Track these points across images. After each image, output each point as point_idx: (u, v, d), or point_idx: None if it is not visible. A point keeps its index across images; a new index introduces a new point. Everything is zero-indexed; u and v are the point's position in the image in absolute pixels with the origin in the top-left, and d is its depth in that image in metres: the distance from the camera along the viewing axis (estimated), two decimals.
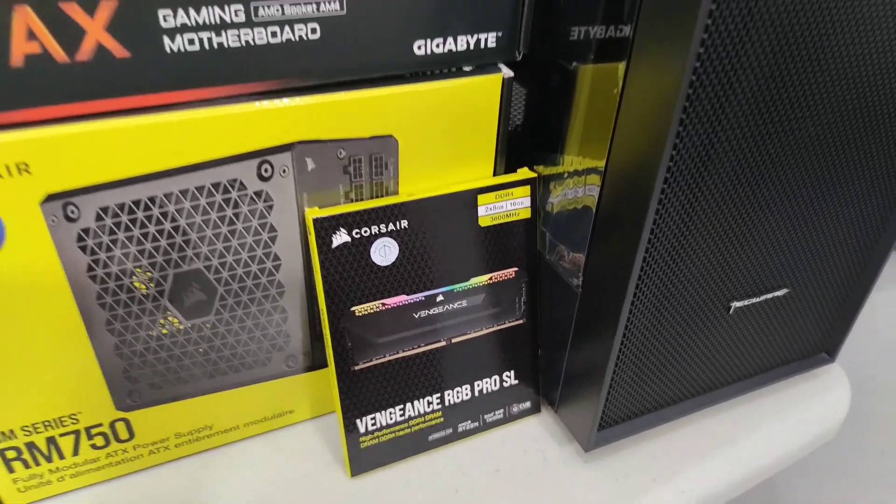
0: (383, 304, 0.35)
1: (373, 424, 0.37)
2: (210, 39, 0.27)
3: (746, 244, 0.33)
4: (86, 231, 0.28)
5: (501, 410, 0.40)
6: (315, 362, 0.38)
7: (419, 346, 0.36)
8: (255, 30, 0.28)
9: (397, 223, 0.33)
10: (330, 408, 0.41)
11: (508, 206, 0.36)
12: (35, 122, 0.26)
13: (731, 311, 0.35)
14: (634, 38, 0.27)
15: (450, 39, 0.32)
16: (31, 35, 0.24)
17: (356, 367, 0.35)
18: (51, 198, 0.27)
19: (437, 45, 0.32)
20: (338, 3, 0.29)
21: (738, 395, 0.41)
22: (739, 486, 0.40)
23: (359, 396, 0.36)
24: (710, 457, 0.39)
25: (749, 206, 0.32)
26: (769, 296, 0.36)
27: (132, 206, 0.29)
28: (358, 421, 0.36)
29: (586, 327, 0.34)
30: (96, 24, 0.25)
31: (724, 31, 0.25)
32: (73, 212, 0.28)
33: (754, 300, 0.35)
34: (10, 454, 0.33)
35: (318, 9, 0.28)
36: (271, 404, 0.38)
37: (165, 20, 0.26)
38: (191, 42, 0.27)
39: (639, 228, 0.29)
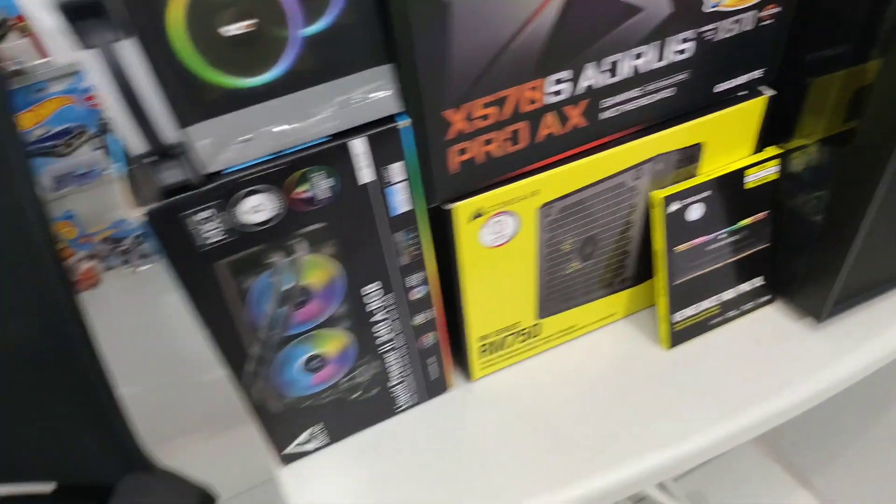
0: (691, 244, 0.57)
1: (680, 316, 0.59)
2: (622, 109, 0.48)
3: None
4: (551, 221, 0.51)
5: (752, 302, 0.62)
6: (634, 282, 0.61)
7: (709, 267, 0.58)
8: (644, 99, 0.49)
9: (702, 193, 0.55)
10: (636, 309, 0.64)
11: (762, 173, 0.57)
12: (542, 168, 0.48)
13: None
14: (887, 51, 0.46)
15: (735, 79, 0.52)
16: (547, 125, 0.46)
17: (675, 282, 0.58)
18: (542, 206, 0.50)
19: (729, 85, 0.52)
20: (686, 74, 0.49)
21: None
22: None
23: (676, 299, 0.58)
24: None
25: None
26: None
27: (573, 204, 0.51)
28: (673, 314, 0.59)
29: (824, 245, 0.55)
30: (577, 112, 0.47)
31: None
32: (549, 212, 0.50)
33: None
34: (484, 347, 0.58)
35: (675, 79, 0.49)
36: (606, 310, 0.62)
37: (602, 104, 0.47)
38: (614, 111, 0.48)
39: (879, 173, 0.49)
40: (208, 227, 0.39)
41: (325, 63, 0.37)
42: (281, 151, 0.39)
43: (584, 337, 0.63)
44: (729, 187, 0.56)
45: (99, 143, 0.94)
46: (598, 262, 0.57)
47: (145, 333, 1.12)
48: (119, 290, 1.06)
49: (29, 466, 0.65)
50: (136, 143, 0.35)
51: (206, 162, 0.37)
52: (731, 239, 0.58)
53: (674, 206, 0.55)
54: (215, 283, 0.41)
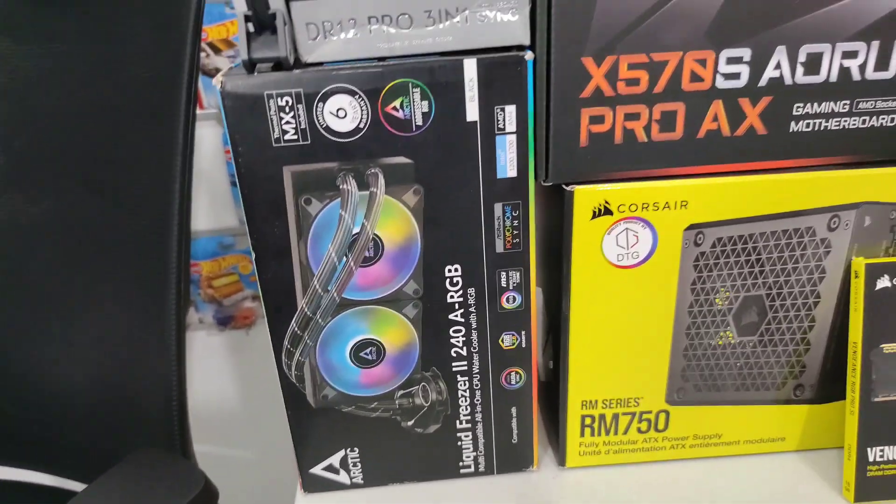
0: None
1: (881, 456, 0.41)
2: (821, 125, 0.38)
3: None
4: (702, 254, 0.40)
5: None
6: (816, 396, 0.44)
7: None
8: (854, 119, 0.38)
9: None
10: (815, 444, 0.46)
11: None
12: (697, 175, 0.39)
13: None
14: None
15: None
16: (714, 118, 0.37)
17: (876, 399, 0.41)
18: (690, 227, 0.39)
19: None
20: None
21: None
22: None
23: (874, 426, 0.41)
24: None
25: None
26: None
27: (735, 239, 0.39)
28: (868, 450, 0.41)
29: None
30: (755, 112, 0.37)
31: None
32: (700, 239, 0.39)
33: None
34: (588, 420, 0.44)
35: None
36: (769, 428, 0.45)
37: (793, 110, 0.37)
38: (807, 125, 0.38)
39: None
40: (286, 120, 0.35)
41: None
42: (384, 58, 0.35)
43: (730, 460, 0.46)
44: None
45: None
46: (763, 342, 0.42)
47: (263, 387, 1.10)
48: (267, 338, 1.06)
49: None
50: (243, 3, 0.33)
51: (305, 49, 0.34)
52: None
53: (884, 283, 0.40)
54: (279, 195, 0.36)
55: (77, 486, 0.65)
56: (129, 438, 0.54)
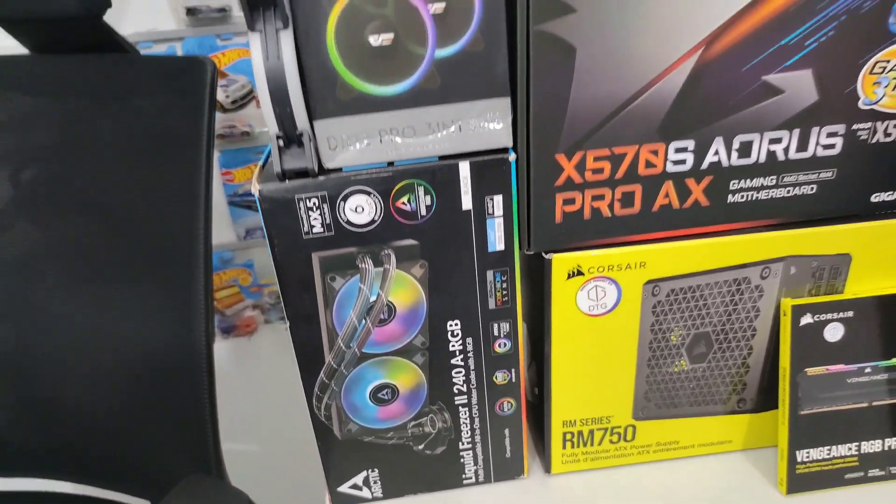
0: (827, 370, 0.49)
1: (807, 457, 0.50)
2: (753, 196, 0.46)
3: None
4: (658, 302, 0.48)
5: None
6: (756, 407, 0.53)
7: (847, 405, 0.50)
8: (780, 190, 0.45)
9: (846, 313, 0.48)
10: (756, 444, 0.55)
11: None
12: (653, 240, 0.46)
13: None
14: None
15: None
16: (665, 195, 0.45)
17: (802, 412, 0.50)
18: (648, 282, 0.47)
19: (889, 196, 0.47)
20: (831, 172, 0.45)
21: None
22: None
23: (801, 433, 0.50)
24: None
25: None
26: None
27: (685, 289, 0.47)
28: (797, 452, 0.50)
29: None
30: (699, 189, 0.45)
31: None
32: (656, 291, 0.47)
33: None
34: (568, 436, 0.53)
35: (818, 176, 0.45)
36: (718, 433, 0.54)
37: (729, 186, 0.45)
38: (742, 197, 0.45)
39: None
40: (313, 217, 0.42)
41: (448, 85, 0.40)
42: (393, 162, 0.42)
43: (687, 460, 0.55)
44: (884, 314, 0.49)
45: None
46: (711, 368, 0.51)
47: (268, 390, 1.18)
48: (269, 343, 1.13)
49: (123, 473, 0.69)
50: (273, 125, 0.40)
51: (326, 157, 0.41)
52: (883, 377, 0.50)
53: (807, 320, 0.48)
54: (309, 275, 0.43)
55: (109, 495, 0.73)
56: (169, 462, 0.61)
